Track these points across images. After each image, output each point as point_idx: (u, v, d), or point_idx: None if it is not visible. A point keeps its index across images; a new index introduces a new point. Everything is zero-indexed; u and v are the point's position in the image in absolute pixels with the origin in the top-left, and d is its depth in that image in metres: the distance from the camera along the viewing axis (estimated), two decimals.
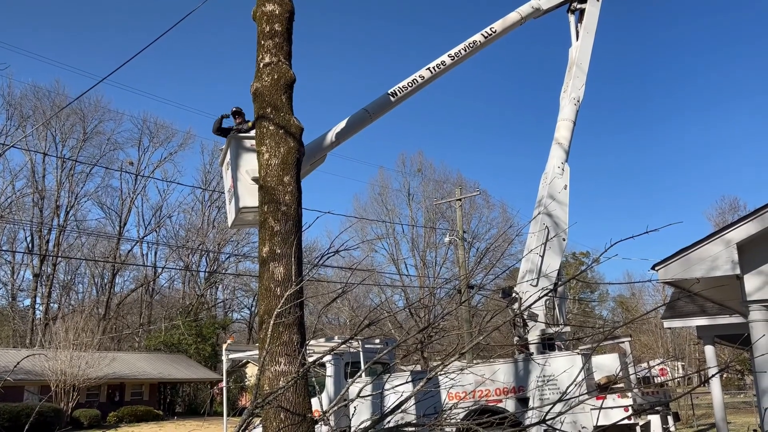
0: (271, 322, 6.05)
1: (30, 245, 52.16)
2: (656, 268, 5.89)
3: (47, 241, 51.93)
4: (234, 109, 9.30)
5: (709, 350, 12.32)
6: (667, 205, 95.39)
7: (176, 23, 10.67)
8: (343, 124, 10.11)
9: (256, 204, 7.59)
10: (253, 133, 8.03)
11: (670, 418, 10.95)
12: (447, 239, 33.37)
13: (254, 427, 8.27)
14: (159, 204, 59.72)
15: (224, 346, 14.46)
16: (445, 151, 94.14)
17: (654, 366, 13.88)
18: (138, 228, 60.53)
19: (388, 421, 5.37)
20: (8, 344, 45.81)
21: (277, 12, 7.58)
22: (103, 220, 57.11)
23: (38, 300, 51.07)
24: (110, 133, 55.23)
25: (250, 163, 8.20)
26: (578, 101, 13.33)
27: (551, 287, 11.15)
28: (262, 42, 7.58)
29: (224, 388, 15.53)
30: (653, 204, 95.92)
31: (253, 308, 59.53)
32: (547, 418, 5.67)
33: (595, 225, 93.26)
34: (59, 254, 50.78)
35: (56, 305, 52.43)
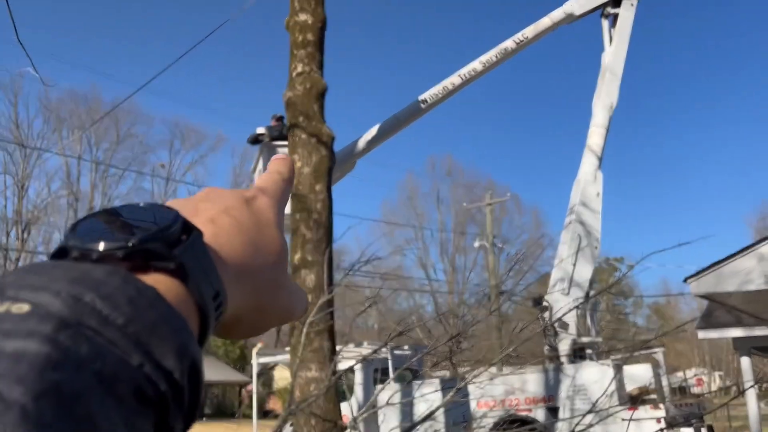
0: (304, 330, 6.13)
1: None
2: (689, 281, 5.81)
3: None
4: (276, 115, 9.45)
5: (745, 362, 12.03)
6: (705, 208, 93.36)
7: (211, 32, 10.89)
8: (374, 131, 10.18)
9: (288, 212, 7.71)
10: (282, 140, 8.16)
11: (704, 431, 10.74)
12: (476, 244, 33.24)
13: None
14: None
15: (254, 351, 14.62)
16: (476, 155, 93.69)
17: (690, 377, 13.63)
18: None
19: (418, 430, 5.41)
20: None
21: (309, 22, 7.69)
22: None
23: None
24: (142, 136, 56.43)
25: None
26: (612, 107, 13.18)
27: (583, 297, 11.04)
28: (295, 51, 7.69)
29: (254, 393, 15.70)
30: (690, 207, 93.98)
31: None
32: (577, 429, 5.64)
33: (629, 227, 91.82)
34: None
35: None
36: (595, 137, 13.05)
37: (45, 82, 6.89)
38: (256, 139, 9.21)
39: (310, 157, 7.45)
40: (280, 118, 9.30)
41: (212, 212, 0.40)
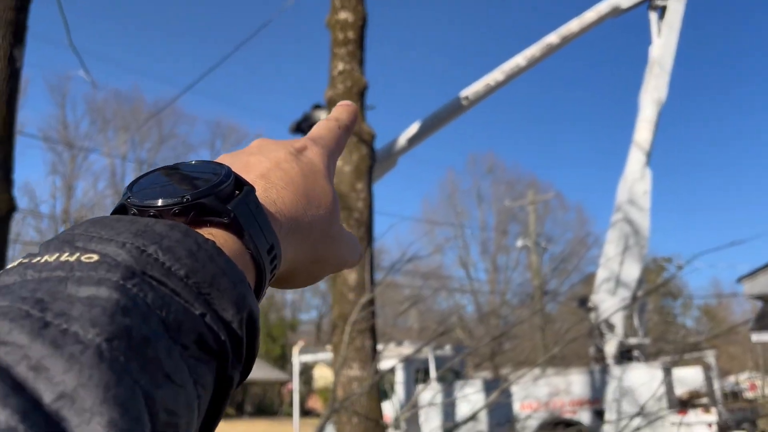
0: (347, 329, 6.12)
1: None
2: (742, 282, 5.57)
3: None
4: (315, 105, 9.32)
5: None
6: (760, 205, 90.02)
7: (254, 33, 10.99)
8: (414, 128, 10.11)
9: None
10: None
11: None
12: (519, 243, 32.81)
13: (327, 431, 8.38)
14: None
15: (295, 349, 14.73)
16: (518, 151, 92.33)
17: (743, 381, 13.16)
18: None
19: (460, 430, 5.33)
20: None
21: (350, 20, 7.67)
22: None
23: None
24: (184, 136, 57.65)
25: None
26: (660, 102, 12.80)
27: (630, 297, 10.75)
28: (335, 50, 7.69)
29: (295, 392, 15.81)
30: (744, 204, 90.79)
31: (320, 308, 60.53)
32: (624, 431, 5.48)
33: (678, 226, 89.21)
34: None
35: None
36: (643, 132, 12.70)
37: (94, 84, 7.05)
38: (298, 126, 9.02)
39: (351, 155, 7.44)
40: (317, 106, 9.14)
41: (263, 166, 0.41)
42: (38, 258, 0.29)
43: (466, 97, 10.27)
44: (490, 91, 10.50)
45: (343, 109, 0.51)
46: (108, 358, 0.25)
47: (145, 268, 0.29)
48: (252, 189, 0.37)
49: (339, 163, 7.41)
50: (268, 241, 0.36)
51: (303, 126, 9.00)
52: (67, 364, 0.24)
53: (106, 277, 0.28)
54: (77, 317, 0.26)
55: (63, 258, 0.29)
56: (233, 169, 0.38)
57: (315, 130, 0.48)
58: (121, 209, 0.37)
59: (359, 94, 7.63)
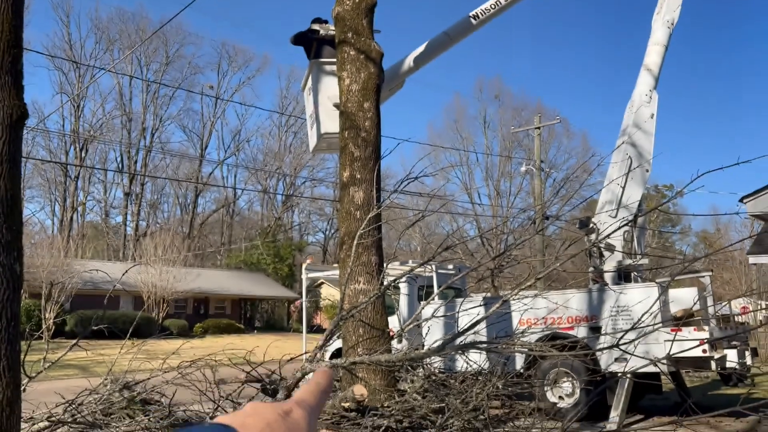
0: (353, 243, 6.34)
1: (120, 165, 55.21)
2: (745, 201, 5.70)
3: (135, 162, 54.78)
4: (317, 19, 9.13)
5: None
6: (764, 133, 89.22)
7: None
8: (422, 48, 10.00)
9: (337, 130, 7.76)
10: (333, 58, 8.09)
11: (748, 354, 10.77)
12: (523, 169, 32.83)
13: (333, 341, 8.77)
14: (238, 128, 61.58)
15: (303, 266, 15.13)
16: (525, 77, 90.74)
17: (735, 299, 13.54)
18: (218, 151, 62.74)
19: (461, 340, 5.63)
20: (103, 257, 49.38)
21: None
22: (186, 142, 59.53)
23: (129, 217, 54.45)
24: (191, 57, 56.74)
25: (331, 89, 8.31)
26: (672, 24, 12.55)
27: (631, 217, 10.94)
28: None
29: (303, 306, 16.35)
30: (748, 132, 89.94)
31: (327, 232, 61.29)
32: (620, 343, 5.77)
33: (681, 154, 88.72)
34: (146, 174, 53.52)
35: (144, 223, 55.85)
36: (653, 56, 12.53)
37: None
38: (299, 38, 8.84)
39: (359, 73, 7.43)
40: (317, 20, 8.95)
41: (258, 427, 0.50)
42: None
43: (476, 16, 10.11)
44: (500, 10, 10.31)
45: (321, 374, 0.63)
46: None
47: None
48: None
49: (346, 81, 7.42)
50: None
51: (306, 36, 8.78)
52: None
53: None
54: None
55: None
56: (234, 428, 0.49)
57: (299, 394, 0.59)
58: None
59: (368, 11, 7.54)
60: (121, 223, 55.19)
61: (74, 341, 5.72)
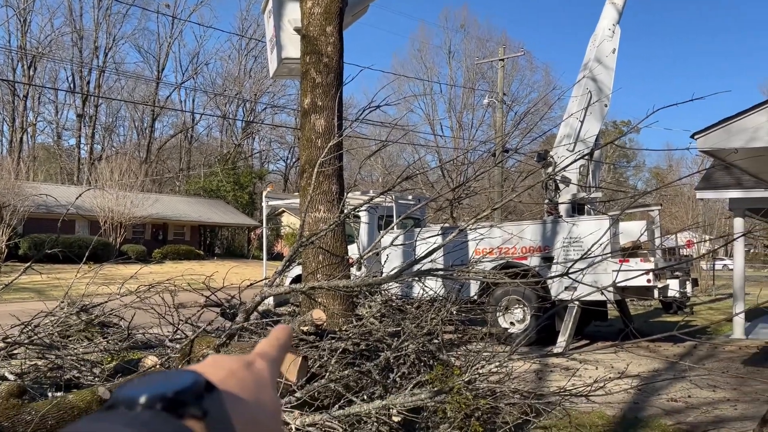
0: (314, 172, 6.33)
1: (72, 85, 52.94)
2: (696, 137, 5.88)
3: (88, 83, 52.54)
4: None
5: (738, 222, 12.44)
6: (722, 74, 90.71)
7: None
8: None
9: (299, 55, 7.59)
10: None
11: (688, 284, 11.36)
12: (486, 101, 32.80)
13: (293, 267, 8.89)
14: (196, 50, 59.52)
15: (264, 193, 15.06)
16: (491, 7, 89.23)
17: (680, 233, 14.11)
18: (175, 74, 60.67)
19: (419, 267, 5.79)
20: (56, 181, 48.06)
21: None
22: (141, 63, 57.33)
23: (82, 140, 52.73)
24: None
25: (292, 12, 8.05)
26: None
27: (587, 152, 11.17)
28: None
29: (263, 233, 16.38)
30: (706, 73, 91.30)
31: (288, 160, 60.67)
32: (570, 272, 6.01)
33: (640, 92, 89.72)
34: (100, 95, 51.54)
35: (99, 146, 54.21)
36: None
37: None
38: None
39: None
40: None
41: (220, 376, 0.50)
42: None
43: None
44: None
45: (281, 329, 0.63)
46: None
47: None
48: (218, 392, 0.46)
49: (309, 3, 7.21)
50: None
51: None
52: None
53: None
54: None
55: None
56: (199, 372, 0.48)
57: (259, 347, 0.59)
58: (110, 407, 0.44)
59: None
60: (74, 146, 53.48)
61: (28, 264, 5.64)
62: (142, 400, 0.42)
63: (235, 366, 0.52)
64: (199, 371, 0.48)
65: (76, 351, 5.81)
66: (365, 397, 4.76)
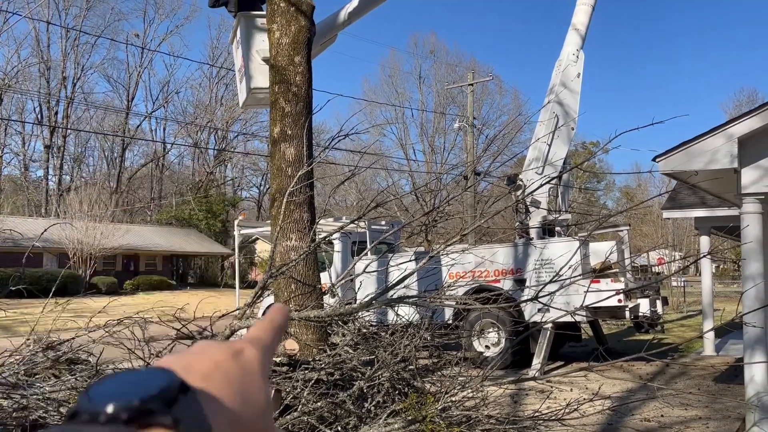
0: (284, 201, 6.33)
1: (39, 116, 52.22)
2: (657, 160, 6.03)
3: (56, 113, 51.89)
4: None
5: (704, 240, 12.71)
6: (683, 97, 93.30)
7: None
8: (355, 1, 9.85)
9: (267, 85, 7.62)
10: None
11: (659, 303, 11.53)
12: (456, 125, 33.18)
13: (265, 297, 8.81)
14: (166, 79, 59.13)
15: (236, 222, 14.94)
16: (460, 33, 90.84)
17: (651, 251, 14.34)
18: (146, 103, 60.31)
19: (392, 294, 5.79)
20: (24, 213, 47.13)
21: None
22: (111, 93, 56.83)
23: (51, 171, 51.90)
24: (114, 2, 53.60)
25: (260, 43, 8.11)
26: None
27: (556, 174, 11.35)
28: None
29: (236, 262, 16.22)
30: (669, 96, 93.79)
31: (261, 187, 60.43)
32: (540, 295, 6.07)
33: (608, 115, 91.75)
34: (69, 126, 50.90)
35: (68, 177, 53.39)
36: (581, 15, 12.81)
37: None
38: (216, 0, 8.49)
39: (289, 26, 7.28)
40: None
41: (204, 367, 0.46)
42: None
43: None
44: None
45: (276, 309, 0.58)
46: None
47: None
48: (194, 393, 0.42)
49: (276, 34, 7.28)
50: None
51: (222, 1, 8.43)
52: None
53: None
54: None
55: None
56: (177, 371, 0.43)
57: (251, 332, 0.54)
58: (74, 415, 0.39)
59: None
60: (42, 178, 52.57)
61: None
62: (109, 409, 0.38)
63: (222, 356, 0.48)
64: (181, 364, 0.45)
65: (42, 390, 5.66)
66: (339, 429, 4.71)
